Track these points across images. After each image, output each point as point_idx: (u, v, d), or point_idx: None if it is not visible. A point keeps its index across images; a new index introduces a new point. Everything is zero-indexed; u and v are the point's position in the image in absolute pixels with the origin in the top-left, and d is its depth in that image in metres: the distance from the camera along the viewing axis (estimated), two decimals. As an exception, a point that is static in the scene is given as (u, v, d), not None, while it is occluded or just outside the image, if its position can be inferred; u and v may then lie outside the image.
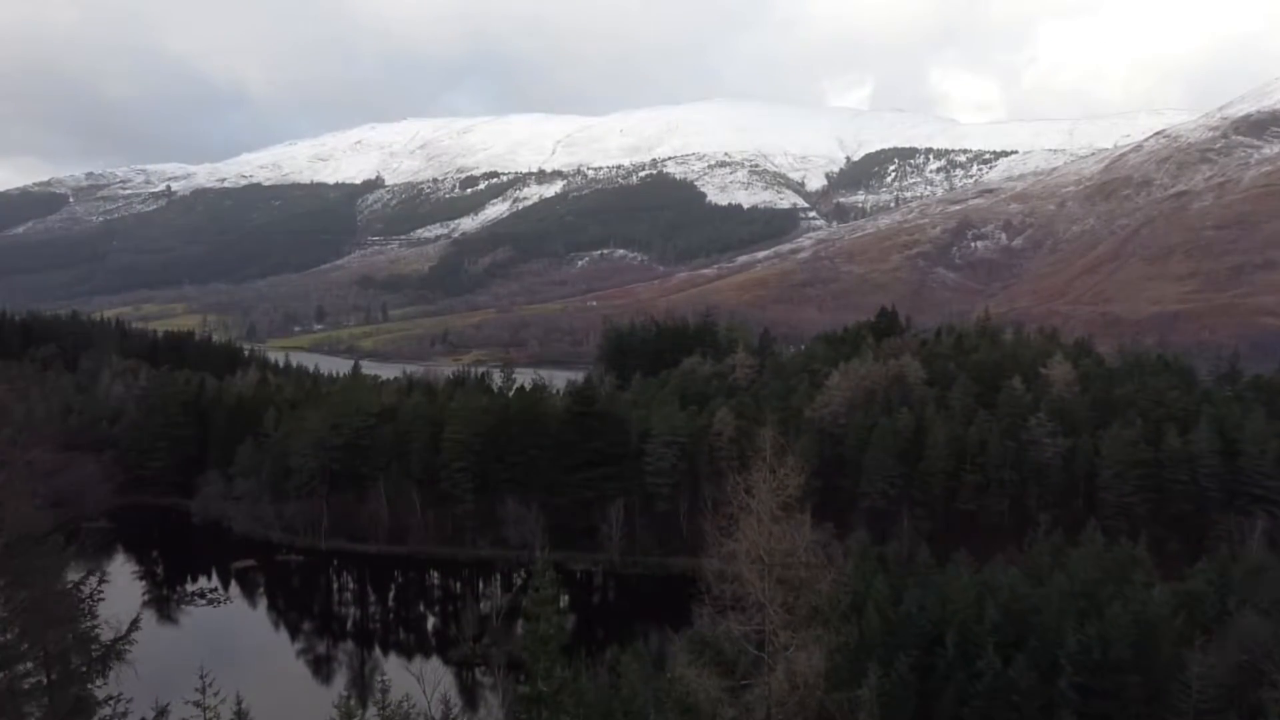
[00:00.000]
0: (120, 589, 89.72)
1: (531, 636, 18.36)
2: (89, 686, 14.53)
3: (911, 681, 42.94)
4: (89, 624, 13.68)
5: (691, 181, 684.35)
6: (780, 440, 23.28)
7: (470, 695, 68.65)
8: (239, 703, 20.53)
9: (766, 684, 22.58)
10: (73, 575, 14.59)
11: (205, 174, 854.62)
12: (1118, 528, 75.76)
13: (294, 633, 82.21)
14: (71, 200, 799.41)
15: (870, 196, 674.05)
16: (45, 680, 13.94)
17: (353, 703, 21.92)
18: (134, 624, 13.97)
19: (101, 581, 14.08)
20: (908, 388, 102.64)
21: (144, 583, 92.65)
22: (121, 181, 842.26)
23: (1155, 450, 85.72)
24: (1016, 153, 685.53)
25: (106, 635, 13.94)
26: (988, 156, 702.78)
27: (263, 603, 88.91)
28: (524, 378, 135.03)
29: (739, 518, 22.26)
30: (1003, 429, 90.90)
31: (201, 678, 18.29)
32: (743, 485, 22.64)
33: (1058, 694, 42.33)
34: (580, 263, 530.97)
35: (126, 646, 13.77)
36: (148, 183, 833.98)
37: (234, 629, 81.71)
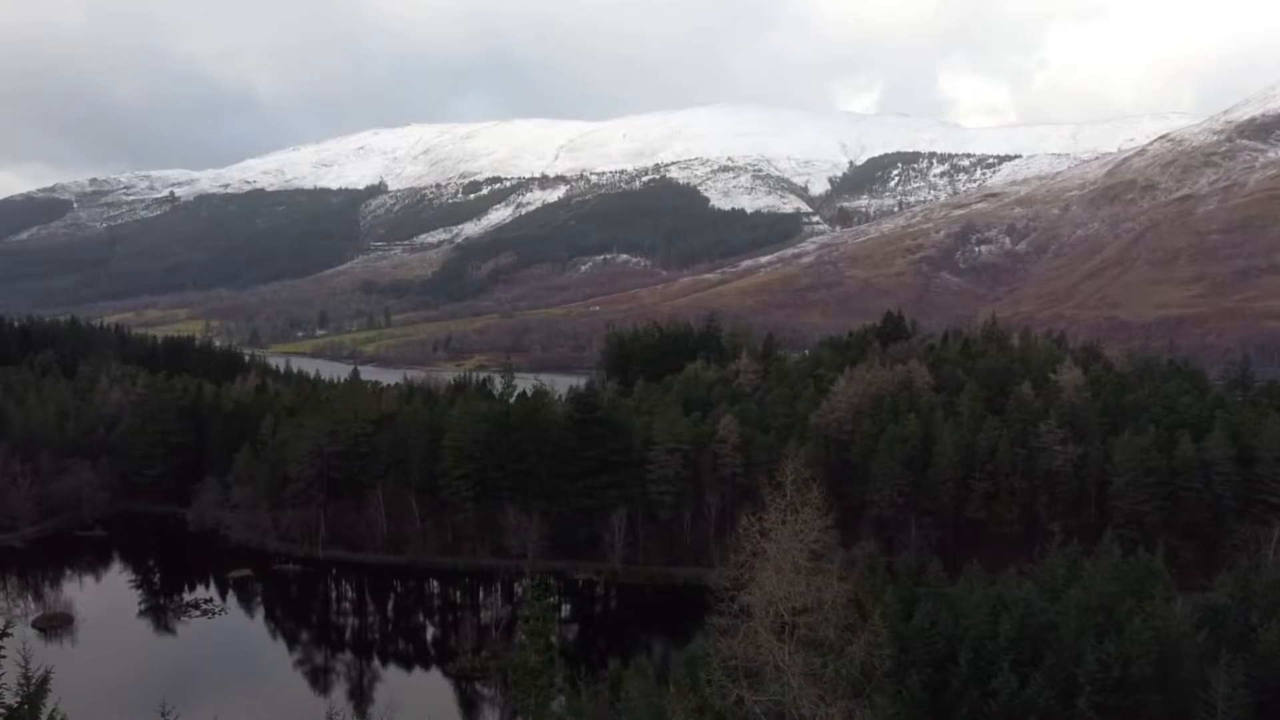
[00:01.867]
0: (117, 598, 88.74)
1: (521, 671, 16.92)
2: None
3: (923, 700, 41.29)
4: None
5: (695, 186, 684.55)
6: (804, 473, 19.53)
7: (469, 708, 67.25)
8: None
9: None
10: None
11: (209, 180, 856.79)
12: (1130, 537, 74.08)
13: (291, 643, 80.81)
14: (76, 206, 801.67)
15: (873, 201, 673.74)
16: None
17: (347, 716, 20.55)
18: (41, 684, 12.30)
19: (3, 635, 12.40)
20: (915, 394, 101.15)
21: (140, 592, 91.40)
22: (125, 187, 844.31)
23: (1168, 457, 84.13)
24: (1020, 157, 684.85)
25: (9, 697, 12.21)
26: (991, 160, 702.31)
27: (259, 613, 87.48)
28: (526, 383, 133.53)
29: (754, 566, 18.55)
30: (1012, 436, 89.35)
31: (163, 715, 16.94)
32: (758, 527, 19.02)
33: (1076, 714, 40.72)
34: (583, 267, 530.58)
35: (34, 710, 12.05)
36: (151, 189, 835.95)
37: (230, 640, 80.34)
